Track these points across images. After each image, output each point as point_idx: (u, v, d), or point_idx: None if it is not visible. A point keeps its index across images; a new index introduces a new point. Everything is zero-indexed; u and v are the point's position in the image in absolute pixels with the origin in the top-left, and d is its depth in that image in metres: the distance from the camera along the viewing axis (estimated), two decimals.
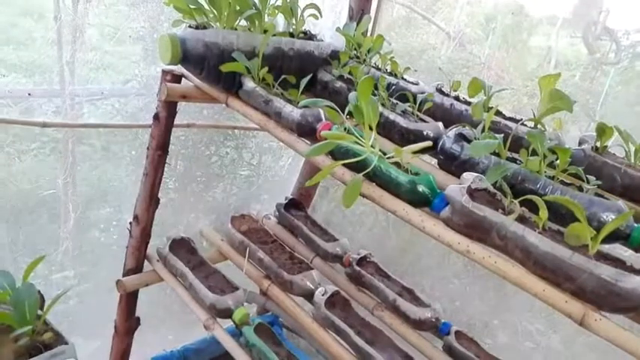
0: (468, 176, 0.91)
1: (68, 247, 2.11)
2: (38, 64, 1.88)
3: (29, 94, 1.75)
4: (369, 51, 1.50)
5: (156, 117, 1.40)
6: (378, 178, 0.99)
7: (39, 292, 1.16)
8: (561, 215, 0.91)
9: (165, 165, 1.52)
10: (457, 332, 1.50)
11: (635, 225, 0.92)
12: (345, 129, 1.04)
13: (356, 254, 1.67)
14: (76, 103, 1.96)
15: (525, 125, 1.19)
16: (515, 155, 1.08)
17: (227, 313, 1.42)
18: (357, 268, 1.62)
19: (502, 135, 1.06)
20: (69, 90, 1.91)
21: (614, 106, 2.25)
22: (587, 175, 1.03)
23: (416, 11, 2.59)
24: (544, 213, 0.83)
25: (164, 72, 1.36)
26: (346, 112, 1.03)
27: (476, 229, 0.86)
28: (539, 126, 1.14)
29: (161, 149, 1.43)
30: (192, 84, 1.36)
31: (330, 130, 1.07)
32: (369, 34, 1.95)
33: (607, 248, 0.82)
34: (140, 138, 2.03)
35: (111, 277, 1.73)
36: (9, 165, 1.90)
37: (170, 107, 1.39)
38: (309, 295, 1.51)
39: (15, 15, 1.93)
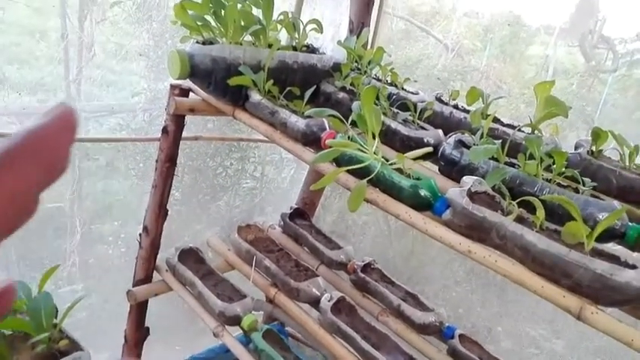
0: (468, 180, 0.95)
1: (75, 260, 2.14)
2: (43, 83, 1.93)
3: (24, 109, 1.78)
4: (369, 63, 1.55)
5: (164, 130, 1.44)
6: (381, 183, 1.03)
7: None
8: (558, 215, 0.94)
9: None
10: (461, 335, 1.52)
11: (630, 224, 0.96)
12: (348, 137, 1.09)
13: (360, 261, 1.70)
14: (82, 119, 2.01)
15: (523, 131, 1.23)
16: (514, 160, 1.12)
17: (236, 320, 1.44)
18: (362, 275, 1.65)
19: (500, 141, 1.11)
20: (76, 107, 1.95)
21: (612, 113, 2.29)
22: (583, 178, 1.07)
23: (414, 24, 2.65)
24: (541, 212, 0.87)
25: (172, 86, 1.40)
26: (349, 120, 1.08)
27: (476, 230, 0.90)
28: (536, 132, 1.18)
29: (170, 161, 1.47)
30: (200, 97, 1.40)
31: (334, 138, 1.11)
32: (369, 46, 2.00)
33: (603, 246, 0.86)
34: (145, 152, 2.07)
35: (118, 289, 1.76)
36: None
37: (178, 120, 1.43)
38: (315, 302, 1.53)
39: (19, 34, 1.98)
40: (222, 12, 1.27)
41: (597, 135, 1.19)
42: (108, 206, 2.25)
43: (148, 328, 1.76)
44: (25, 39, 1.98)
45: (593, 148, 1.21)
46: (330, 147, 1.04)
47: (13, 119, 1.87)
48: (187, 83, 1.39)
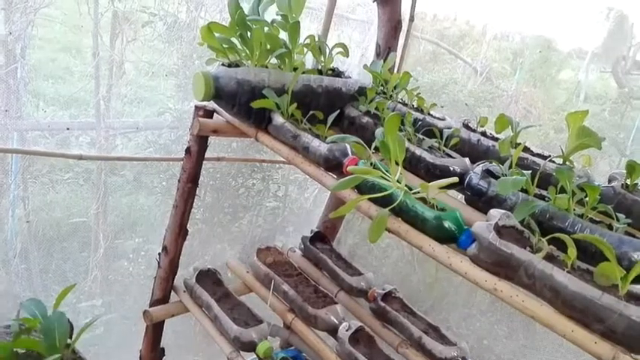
0: (495, 213, 0.91)
1: (97, 275, 2.15)
2: (75, 98, 1.97)
3: (68, 129, 1.81)
4: (395, 87, 1.53)
5: (187, 151, 1.44)
6: (404, 213, 0.99)
7: (68, 320, 1.19)
8: (591, 254, 0.89)
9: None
10: None
11: None
12: (371, 164, 1.06)
13: (381, 289, 1.66)
14: (110, 135, 2.03)
15: (554, 162, 1.18)
16: (544, 192, 1.07)
17: (251, 346, 1.41)
18: (382, 304, 1.60)
19: (530, 171, 1.06)
20: (104, 123, 1.98)
21: None
22: (617, 214, 1.01)
23: (442, 47, 2.63)
24: (573, 252, 0.82)
25: (197, 107, 1.41)
26: (372, 147, 1.05)
27: (503, 267, 0.86)
28: (567, 163, 1.13)
29: (192, 182, 1.47)
30: (224, 119, 1.40)
31: (356, 165, 1.09)
32: (395, 70, 1.98)
33: (638, 289, 0.81)
34: (171, 170, 2.08)
35: (137, 306, 1.75)
36: (43, 194, 1.96)
37: (201, 141, 1.43)
38: (333, 330, 1.49)
39: (55, 51, 2.03)
40: (249, 35, 1.27)
41: (632, 168, 1.14)
42: (132, 222, 2.26)
43: (163, 349, 1.74)
44: (60, 55, 2.03)
45: (628, 182, 1.16)
46: (352, 173, 1.02)
47: (46, 134, 1.90)
48: (212, 105, 1.39)
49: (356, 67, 2.25)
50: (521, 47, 2.48)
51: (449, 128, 1.34)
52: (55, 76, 2.01)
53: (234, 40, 1.29)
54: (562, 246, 0.85)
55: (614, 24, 2.23)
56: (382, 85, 1.56)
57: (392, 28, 1.80)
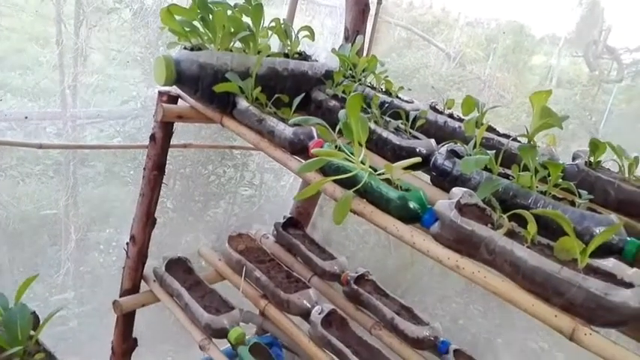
0: (457, 191, 0.91)
1: (69, 268, 2.11)
2: (41, 88, 1.91)
3: (26, 117, 1.77)
4: (363, 71, 1.52)
5: (152, 137, 1.42)
6: (368, 194, 0.99)
7: (34, 312, 1.16)
8: (553, 230, 0.90)
9: (163, 185, 1.53)
10: (456, 351, 1.48)
11: (629, 239, 0.92)
12: (336, 146, 1.05)
13: (354, 272, 1.66)
14: (77, 125, 1.99)
15: (518, 141, 1.19)
16: (508, 171, 1.07)
17: (222, 333, 1.41)
18: (355, 287, 1.61)
19: (495, 151, 1.07)
20: (70, 112, 1.93)
21: (617, 123, 2.25)
22: (580, 190, 1.02)
23: (416, 32, 2.62)
24: (533, 227, 0.83)
25: (160, 93, 1.38)
26: (337, 129, 1.04)
27: (465, 244, 0.86)
28: (531, 142, 1.14)
29: (157, 169, 1.44)
30: (188, 104, 1.38)
31: (321, 147, 1.08)
32: (364, 54, 1.97)
33: (598, 262, 0.82)
34: (139, 158, 2.04)
35: (109, 298, 1.72)
36: (12, 187, 1.92)
37: (166, 128, 1.41)
38: (306, 315, 1.49)
39: (22, 41, 1.97)
40: (211, 18, 1.24)
41: (595, 146, 1.15)
42: (104, 213, 2.23)
43: (135, 339, 1.72)
44: (29, 45, 1.97)
45: (592, 160, 1.17)
46: (317, 156, 1.01)
47: (13, 125, 1.85)
48: (176, 90, 1.37)
49: (325, 52, 2.23)
50: (495, 33, 2.49)
51: (416, 111, 1.34)
52: (21, 66, 1.95)
53: (196, 23, 1.26)
54: (525, 223, 0.86)
55: (586, 9, 2.25)
56: (350, 69, 1.54)
57: (359, 12, 1.78)
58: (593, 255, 0.80)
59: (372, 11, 1.90)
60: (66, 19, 1.82)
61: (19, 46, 1.95)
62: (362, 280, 1.66)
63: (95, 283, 2.12)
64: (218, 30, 1.24)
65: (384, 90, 1.50)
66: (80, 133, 2.01)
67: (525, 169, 1.02)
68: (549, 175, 1.01)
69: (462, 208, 0.89)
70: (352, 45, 1.56)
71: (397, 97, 1.46)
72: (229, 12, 1.28)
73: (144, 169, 1.45)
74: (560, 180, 1.02)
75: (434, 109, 1.36)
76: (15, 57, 1.93)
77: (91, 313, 2.12)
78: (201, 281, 1.58)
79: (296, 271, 1.71)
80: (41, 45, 1.95)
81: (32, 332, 1.09)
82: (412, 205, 0.94)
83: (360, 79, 1.52)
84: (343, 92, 1.40)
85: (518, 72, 2.51)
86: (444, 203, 0.89)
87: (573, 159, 1.20)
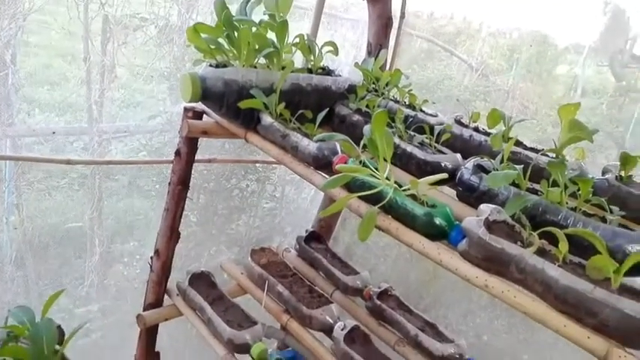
0: (486, 208, 0.90)
1: (93, 280, 2.14)
2: (69, 103, 1.96)
3: (53, 133, 1.80)
4: (387, 84, 1.52)
5: (177, 153, 1.43)
6: (394, 210, 0.98)
7: (59, 326, 1.17)
8: (583, 247, 0.88)
9: (187, 199, 1.54)
10: None
11: None
12: (360, 162, 1.05)
13: (376, 288, 1.64)
14: (103, 139, 2.02)
15: (547, 155, 1.17)
16: (536, 186, 1.05)
17: (245, 349, 1.40)
18: (378, 302, 1.59)
19: (522, 166, 1.05)
20: (96, 127, 1.97)
21: None
22: (611, 206, 1.00)
23: (438, 44, 2.61)
24: (564, 245, 0.81)
25: (186, 109, 1.39)
26: (361, 145, 1.04)
27: (494, 263, 0.84)
28: (560, 156, 1.12)
29: (182, 184, 1.45)
30: (213, 120, 1.39)
31: (345, 163, 1.07)
32: (387, 67, 1.97)
33: (633, 282, 0.79)
34: (164, 173, 2.07)
35: (133, 311, 1.74)
36: (39, 200, 1.95)
37: (191, 143, 1.42)
38: (328, 330, 1.48)
39: (50, 57, 2.02)
40: (236, 35, 1.26)
41: (626, 159, 1.13)
42: (128, 226, 2.26)
43: (158, 353, 1.72)
44: (57, 61, 2.02)
45: (622, 174, 1.14)
46: (341, 172, 1.01)
47: (41, 140, 1.89)
48: (201, 106, 1.38)
49: (348, 66, 2.23)
50: (518, 43, 2.47)
51: (441, 124, 1.33)
52: (49, 82, 2.00)
53: (222, 40, 1.28)
54: (555, 240, 0.84)
55: (611, 18, 2.21)
56: (373, 83, 1.54)
57: (382, 26, 1.78)
58: (628, 274, 0.78)
59: (395, 25, 1.90)
60: (93, 36, 1.86)
61: (48, 62, 2.01)
62: (385, 295, 1.64)
63: (119, 295, 2.14)
64: (243, 47, 1.26)
65: (407, 103, 1.49)
66: (106, 147, 2.05)
67: (554, 184, 1.00)
68: (579, 191, 0.99)
69: (490, 225, 0.87)
70: (376, 59, 1.56)
71: (421, 110, 1.45)
72: (254, 29, 1.29)
73: (169, 183, 1.47)
74: (591, 195, 0.99)
75: (459, 122, 1.34)
76: (43, 73, 1.98)
77: (114, 325, 2.14)
78: (224, 295, 1.58)
79: (318, 285, 1.70)
80: (69, 61, 2.00)
81: (57, 347, 1.10)
82: (439, 221, 0.93)
83: (383, 93, 1.52)
84: (367, 106, 1.39)
85: (542, 82, 2.48)
86: (472, 220, 0.88)
87: (603, 173, 1.18)
